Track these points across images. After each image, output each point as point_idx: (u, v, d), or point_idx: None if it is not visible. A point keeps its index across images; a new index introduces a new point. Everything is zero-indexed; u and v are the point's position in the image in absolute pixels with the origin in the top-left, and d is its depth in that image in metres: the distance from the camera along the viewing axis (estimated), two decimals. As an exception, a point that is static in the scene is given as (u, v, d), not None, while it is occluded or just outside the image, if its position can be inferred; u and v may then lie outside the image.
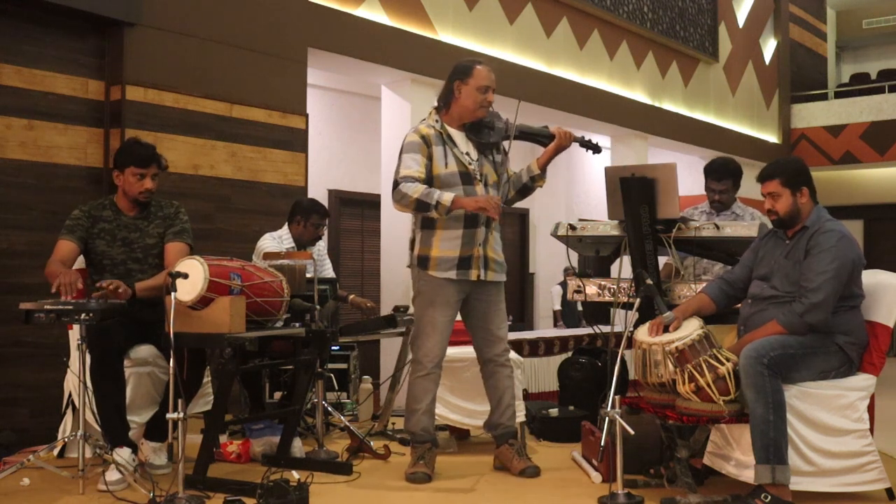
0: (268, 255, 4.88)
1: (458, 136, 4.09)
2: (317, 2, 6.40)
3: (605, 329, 4.53)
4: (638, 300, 3.96)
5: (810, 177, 3.73)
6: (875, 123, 13.74)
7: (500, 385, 4.18)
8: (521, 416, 4.68)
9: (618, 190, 4.28)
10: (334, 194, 8.28)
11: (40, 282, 4.08)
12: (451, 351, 4.54)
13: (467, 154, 4.07)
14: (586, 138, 4.23)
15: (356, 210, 8.57)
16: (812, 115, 14.27)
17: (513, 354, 4.81)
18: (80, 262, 4.13)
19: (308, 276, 4.46)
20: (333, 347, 5.56)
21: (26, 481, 3.79)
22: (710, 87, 11.83)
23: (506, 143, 4.17)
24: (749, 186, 5.26)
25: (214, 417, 3.84)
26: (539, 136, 4.21)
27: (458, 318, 4.18)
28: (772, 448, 3.36)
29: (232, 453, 4.34)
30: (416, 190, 3.92)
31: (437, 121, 4.08)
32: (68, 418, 4.13)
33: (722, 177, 5.04)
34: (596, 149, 4.24)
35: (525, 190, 4.26)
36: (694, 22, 11.30)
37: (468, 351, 4.39)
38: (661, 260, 4.45)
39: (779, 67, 13.81)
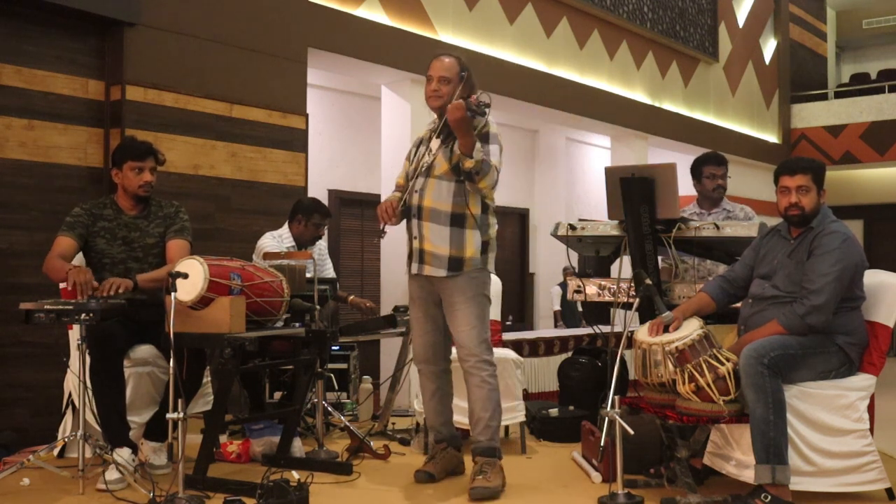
0: (268, 255, 4.88)
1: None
2: (317, 2, 6.39)
3: (605, 329, 4.52)
4: (637, 300, 3.96)
5: None
6: (875, 123, 13.75)
7: (471, 395, 3.88)
8: (520, 416, 4.68)
9: (618, 190, 4.28)
10: (334, 194, 8.28)
11: (40, 282, 4.08)
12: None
13: (430, 149, 3.92)
14: (476, 103, 3.66)
15: (356, 210, 8.57)
16: (812, 115, 14.26)
17: (512, 354, 4.82)
18: (80, 261, 4.12)
19: (308, 276, 4.46)
20: (333, 347, 5.56)
21: (26, 481, 3.79)
22: (710, 87, 11.82)
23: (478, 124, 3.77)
24: (747, 186, 5.26)
25: (214, 417, 3.84)
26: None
27: None
28: (772, 448, 3.36)
29: (232, 453, 4.34)
30: None
31: (433, 121, 4.01)
32: (68, 418, 4.13)
33: (721, 161, 5.11)
34: (481, 109, 3.69)
35: (461, 172, 3.74)
36: (694, 22, 11.30)
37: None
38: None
39: (779, 67, 13.81)
